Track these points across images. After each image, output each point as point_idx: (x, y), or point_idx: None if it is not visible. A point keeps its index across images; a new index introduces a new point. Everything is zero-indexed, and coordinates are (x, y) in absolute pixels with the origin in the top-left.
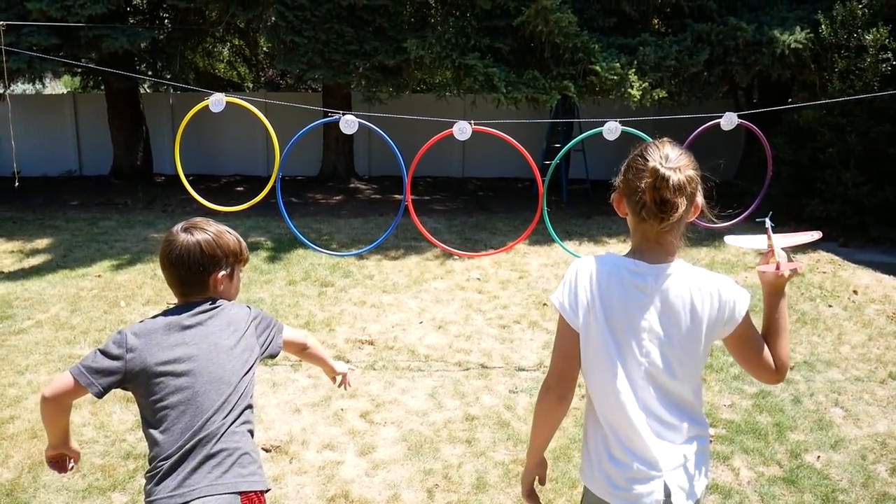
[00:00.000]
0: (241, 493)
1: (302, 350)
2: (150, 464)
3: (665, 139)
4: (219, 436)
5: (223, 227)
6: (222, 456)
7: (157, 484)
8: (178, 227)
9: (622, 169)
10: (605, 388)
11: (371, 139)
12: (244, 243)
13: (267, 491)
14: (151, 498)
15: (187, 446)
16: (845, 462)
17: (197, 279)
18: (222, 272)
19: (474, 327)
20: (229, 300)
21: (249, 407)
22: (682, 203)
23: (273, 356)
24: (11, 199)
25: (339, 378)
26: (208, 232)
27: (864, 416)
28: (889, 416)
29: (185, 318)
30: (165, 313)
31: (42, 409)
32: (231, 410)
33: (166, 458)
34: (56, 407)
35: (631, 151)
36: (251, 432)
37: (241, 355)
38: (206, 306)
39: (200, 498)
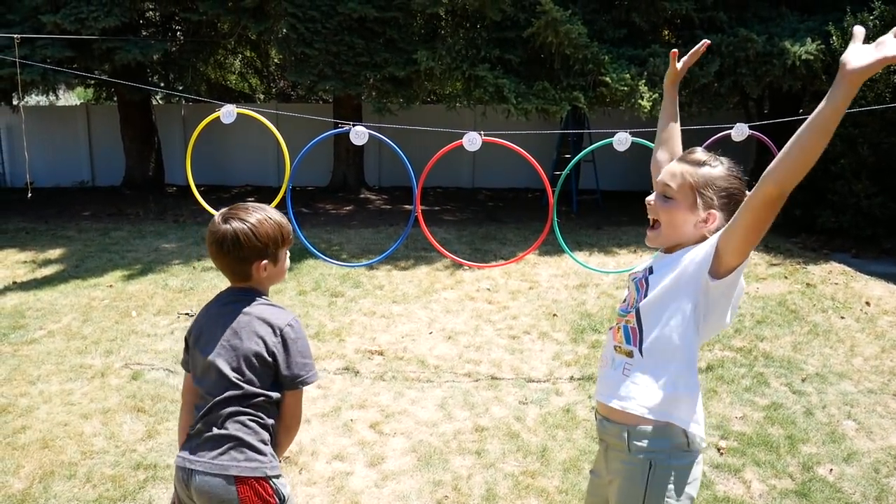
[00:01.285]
0: (235, 478)
1: (284, 425)
2: None
3: (698, 149)
4: (221, 420)
5: (263, 214)
6: (224, 441)
7: (181, 449)
8: (220, 213)
9: (725, 197)
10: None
11: (381, 150)
12: (286, 226)
13: (275, 477)
14: (177, 456)
15: (198, 425)
16: (858, 475)
17: (238, 267)
18: (264, 261)
19: (484, 338)
20: (276, 282)
21: (263, 402)
22: None
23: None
24: (24, 209)
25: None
26: (247, 222)
27: (877, 428)
28: None
29: (221, 303)
30: (219, 294)
31: None
32: (240, 401)
33: (190, 429)
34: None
35: (724, 174)
36: (264, 427)
37: (250, 356)
38: (240, 296)
39: (199, 473)
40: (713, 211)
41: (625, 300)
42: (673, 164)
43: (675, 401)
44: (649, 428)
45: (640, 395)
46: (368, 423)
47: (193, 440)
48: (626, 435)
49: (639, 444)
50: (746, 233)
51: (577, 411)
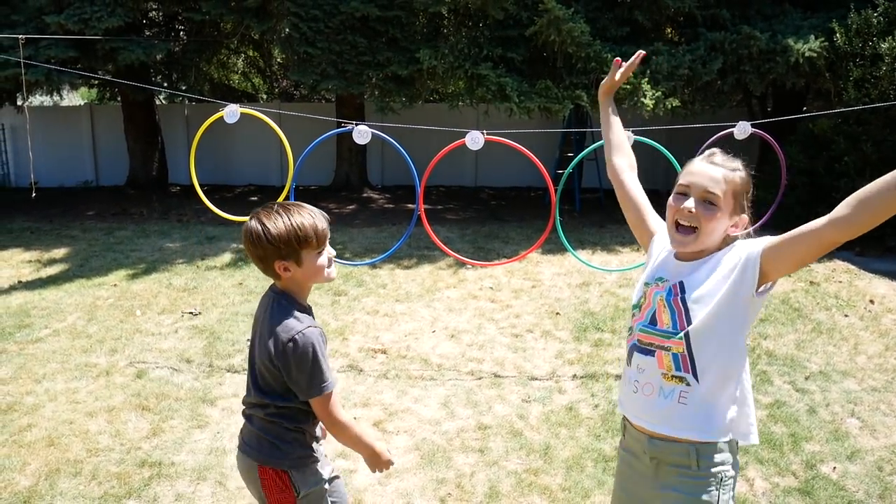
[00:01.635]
0: (258, 464)
1: (324, 428)
2: None
3: (717, 151)
4: (250, 419)
5: (283, 217)
6: (254, 432)
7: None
8: (258, 209)
9: (749, 200)
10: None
11: (384, 149)
12: (308, 229)
13: (294, 469)
14: None
15: (243, 411)
16: (861, 473)
17: (260, 265)
18: (283, 262)
19: (487, 336)
20: (309, 283)
21: (281, 409)
22: None
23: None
24: (29, 209)
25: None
26: (263, 223)
27: (880, 426)
28: None
29: (262, 306)
30: (266, 292)
31: None
32: (261, 406)
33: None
34: None
35: (748, 177)
36: (286, 428)
37: (261, 367)
38: (274, 299)
39: (238, 449)
40: (744, 215)
41: (636, 310)
42: (708, 167)
43: (736, 419)
44: (716, 446)
45: (706, 422)
46: (372, 421)
47: (244, 422)
48: (695, 454)
49: (709, 460)
50: (797, 262)
51: (580, 409)
